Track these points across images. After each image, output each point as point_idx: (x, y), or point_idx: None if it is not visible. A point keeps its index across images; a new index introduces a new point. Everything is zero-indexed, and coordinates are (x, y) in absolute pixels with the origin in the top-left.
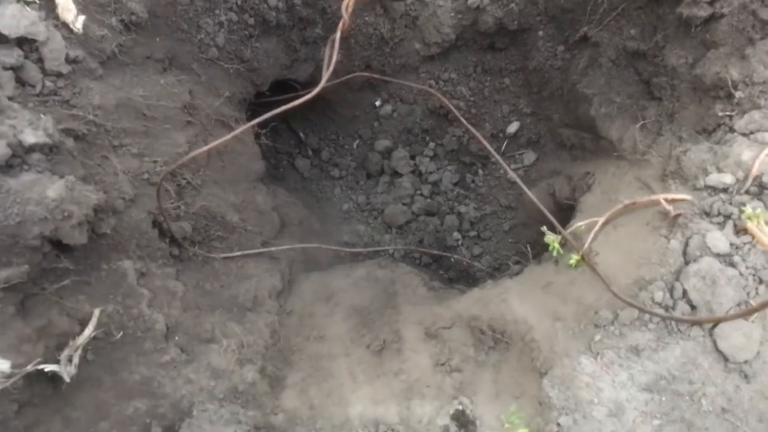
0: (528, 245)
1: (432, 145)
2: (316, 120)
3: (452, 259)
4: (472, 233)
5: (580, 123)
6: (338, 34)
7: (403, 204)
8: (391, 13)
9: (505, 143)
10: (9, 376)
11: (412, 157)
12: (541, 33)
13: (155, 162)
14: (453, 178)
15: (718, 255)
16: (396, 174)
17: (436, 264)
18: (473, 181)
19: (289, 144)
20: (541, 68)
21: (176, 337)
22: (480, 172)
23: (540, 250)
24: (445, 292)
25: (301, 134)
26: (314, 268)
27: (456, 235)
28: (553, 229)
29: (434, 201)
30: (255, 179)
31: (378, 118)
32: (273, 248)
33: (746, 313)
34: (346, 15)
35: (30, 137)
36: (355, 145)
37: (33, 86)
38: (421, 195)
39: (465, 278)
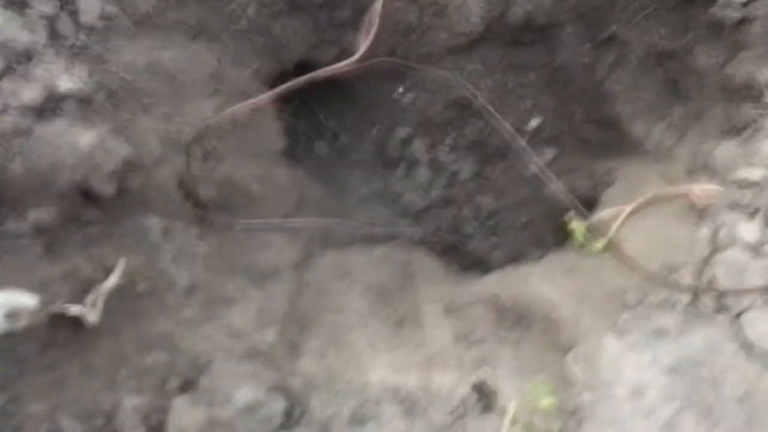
0: (547, 236)
1: (452, 135)
2: (337, 104)
3: (468, 248)
4: (489, 223)
5: (605, 120)
6: (380, 3)
7: (421, 191)
8: (420, 1)
9: (527, 138)
10: (35, 313)
11: (432, 146)
12: (569, 29)
13: (183, 124)
14: (472, 168)
15: (747, 245)
16: (414, 162)
17: (453, 252)
18: (492, 173)
19: (309, 126)
20: (567, 65)
21: (198, 295)
22: (499, 164)
23: (559, 242)
24: (463, 276)
25: (321, 117)
26: (332, 245)
27: (473, 224)
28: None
29: (452, 191)
30: (277, 153)
31: (399, 105)
32: (293, 220)
33: None
34: None
35: (66, 83)
36: (374, 131)
37: (66, 38)
38: (439, 184)
39: (480, 268)
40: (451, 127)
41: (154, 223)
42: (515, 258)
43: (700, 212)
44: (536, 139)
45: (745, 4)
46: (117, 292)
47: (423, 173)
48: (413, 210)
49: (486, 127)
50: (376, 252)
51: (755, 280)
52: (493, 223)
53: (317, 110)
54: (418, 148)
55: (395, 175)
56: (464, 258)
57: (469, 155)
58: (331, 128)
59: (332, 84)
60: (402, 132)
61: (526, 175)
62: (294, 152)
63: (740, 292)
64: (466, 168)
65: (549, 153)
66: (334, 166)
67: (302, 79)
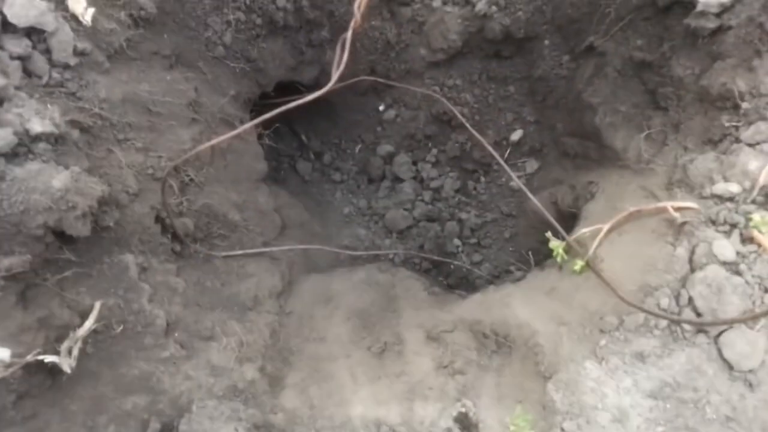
0: (530, 253)
1: (434, 151)
2: (319, 123)
3: (452, 266)
4: (473, 240)
5: (585, 132)
6: (350, 33)
7: (404, 209)
8: (398, 18)
9: (508, 151)
10: (8, 366)
11: (414, 163)
12: (547, 42)
13: (160, 157)
14: (455, 184)
15: (724, 263)
16: (398, 179)
17: (436, 270)
18: (475, 189)
19: (291, 147)
20: (546, 77)
21: (176, 334)
22: (482, 179)
23: (542, 258)
24: (445, 297)
25: (304, 137)
26: (314, 270)
27: (456, 241)
28: (556, 236)
29: (435, 207)
30: (257, 179)
31: (381, 122)
32: (274, 248)
33: (750, 318)
34: (358, 14)
35: (37, 126)
36: (357, 150)
37: (40, 77)
38: (423, 201)
39: (465, 285)
40: (433, 143)
41: (130, 261)
42: (499, 275)
43: (677, 229)
44: (518, 151)
45: (718, 15)
46: (93, 336)
47: (406, 191)
48: (396, 229)
49: (467, 141)
50: (358, 275)
51: (733, 299)
52: (476, 240)
53: (300, 131)
54: (401, 165)
55: (378, 194)
56: (448, 277)
57: (451, 171)
58: (314, 148)
59: (314, 103)
60: (384, 149)
61: (509, 189)
62: (277, 174)
63: (718, 312)
64: (449, 184)
65: (531, 166)
66: (317, 187)
67: (268, 115)
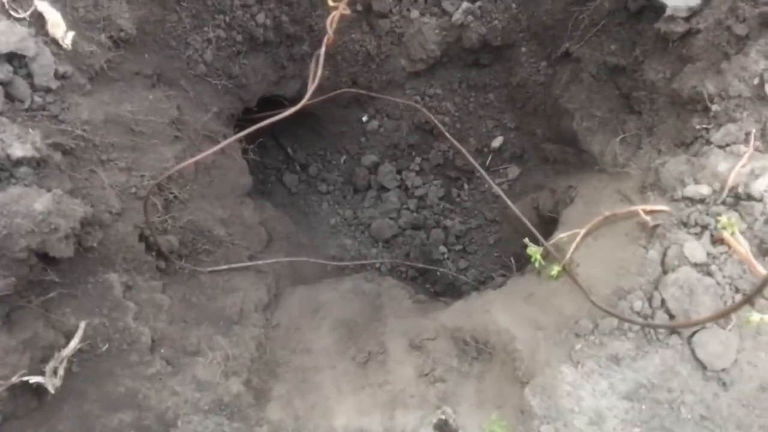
0: (512, 258)
1: (418, 159)
2: (304, 136)
3: (438, 273)
4: (458, 247)
5: (563, 137)
6: (323, 49)
7: (390, 218)
8: (377, 30)
9: (490, 158)
10: None
11: (399, 172)
12: (524, 49)
13: (143, 176)
14: (439, 192)
15: (695, 265)
16: (383, 189)
17: (423, 278)
18: (459, 196)
19: (277, 159)
20: (525, 84)
21: (162, 350)
22: (465, 186)
23: (524, 262)
24: (430, 305)
25: (289, 150)
26: (301, 282)
27: (442, 248)
28: (536, 241)
29: (420, 215)
30: (242, 194)
31: (365, 133)
32: (260, 262)
33: (720, 316)
34: (330, 30)
35: (18, 151)
36: (342, 161)
37: (22, 101)
38: (408, 209)
39: (451, 291)
40: (417, 152)
41: (114, 280)
42: (485, 281)
43: (650, 232)
44: (500, 158)
45: (687, 19)
46: (79, 355)
47: (391, 200)
48: (382, 238)
49: (450, 150)
50: (345, 285)
51: (705, 300)
52: (461, 247)
53: (285, 144)
54: (386, 174)
55: (364, 203)
56: (435, 284)
57: (435, 179)
58: (299, 160)
59: (299, 116)
60: (369, 159)
61: (492, 195)
62: (264, 187)
63: (690, 313)
64: (433, 192)
65: (513, 171)
66: (304, 198)
67: (247, 131)
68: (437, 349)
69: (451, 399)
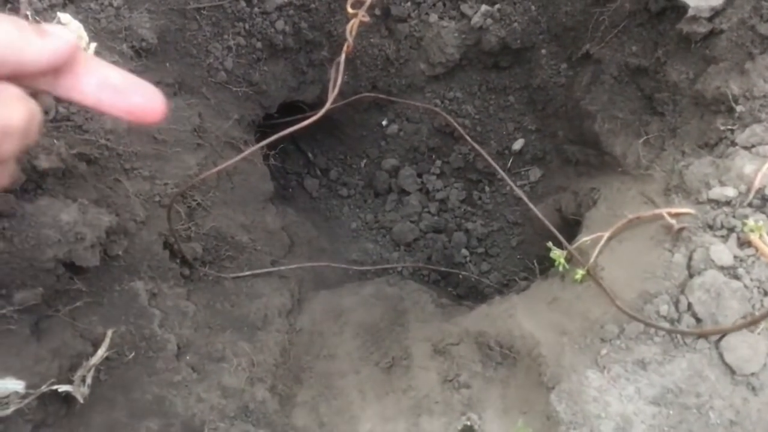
0: (535, 261)
1: (438, 163)
2: (324, 140)
3: (460, 276)
4: (480, 250)
5: (585, 139)
6: (342, 57)
7: (411, 222)
8: (396, 35)
9: (511, 160)
10: (24, 397)
11: (419, 176)
12: (544, 51)
13: (166, 184)
14: (460, 195)
15: (722, 268)
16: (403, 192)
17: (445, 281)
18: (480, 198)
19: (297, 164)
20: (545, 86)
21: (187, 357)
22: (487, 189)
23: (547, 265)
24: (453, 309)
25: (310, 155)
26: (323, 286)
27: (464, 251)
28: (559, 244)
29: (441, 218)
30: (264, 200)
31: (385, 137)
32: (283, 267)
33: (750, 323)
34: (350, 38)
35: (44, 162)
36: (362, 165)
37: (47, 113)
38: (429, 212)
39: (474, 295)
40: (437, 155)
41: (140, 288)
42: (508, 283)
43: (675, 235)
44: (521, 160)
45: (710, 19)
46: (106, 363)
47: (412, 203)
48: (404, 242)
49: (470, 152)
50: (367, 289)
51: (732, 303)
52: (483, 249)
53: (306, 149)
54: (406, 178)
55: (385, 207)
56: (457, 287)
57: (456, 181)
58: (320, 165)
59: (319, 122)
60: (389, 163)
61: (514, 197)
62: (286, 192)
63: (717, 317)
64: (454, 195)
65: (534, 174)
66: (325, 203)
67: (270, 139)
68: (461, 355)
69: (476, 405)
